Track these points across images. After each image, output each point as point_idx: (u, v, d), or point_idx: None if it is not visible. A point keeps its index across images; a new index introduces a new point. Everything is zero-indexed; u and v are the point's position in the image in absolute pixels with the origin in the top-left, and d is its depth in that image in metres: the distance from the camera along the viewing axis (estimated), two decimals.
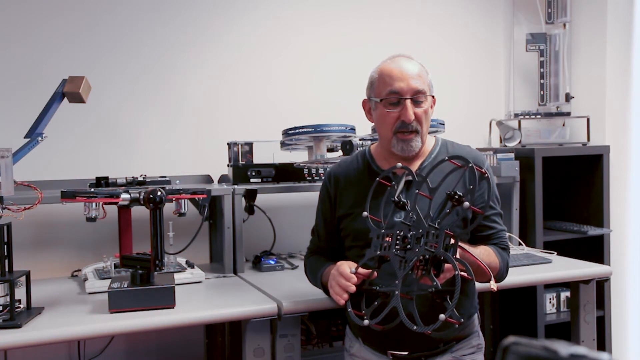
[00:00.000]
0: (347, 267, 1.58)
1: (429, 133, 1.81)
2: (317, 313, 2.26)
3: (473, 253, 1.48)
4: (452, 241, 1.37)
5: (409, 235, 1.43)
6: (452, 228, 1.40)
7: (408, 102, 1.64)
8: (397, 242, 1.44)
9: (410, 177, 1.61)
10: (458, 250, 1.38)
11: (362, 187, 1.72)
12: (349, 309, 1.54)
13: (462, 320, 1.31)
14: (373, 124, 1.82)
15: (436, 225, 1.39)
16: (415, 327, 1.34)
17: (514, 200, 2.82)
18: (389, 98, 1.66)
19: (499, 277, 1.71)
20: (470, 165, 1.46)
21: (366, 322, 1.46)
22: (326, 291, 1.73)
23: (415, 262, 1.38)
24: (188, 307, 1.86)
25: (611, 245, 3.07)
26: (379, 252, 1.48)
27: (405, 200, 1.49)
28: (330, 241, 1.81)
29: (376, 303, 1.49)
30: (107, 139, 2.60)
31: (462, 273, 1.32)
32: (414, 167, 1.69)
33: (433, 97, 1.73)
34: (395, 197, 1.50)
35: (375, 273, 1.53)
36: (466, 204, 1.35)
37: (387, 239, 1.48)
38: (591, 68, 3.27)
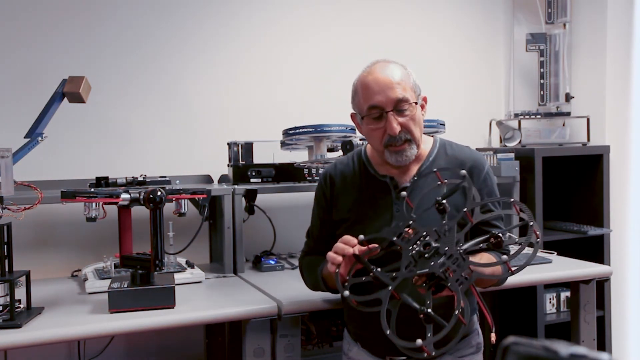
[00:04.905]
0: (350, 237, 1.50)
1: (428, 134, 1.79)
2: (317, 313, 2.26)
3: (481, 263, 1.44)
4: (467, 277, 1.32)
5: (433, 243, 1.36)
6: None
7: (390, 115, 1.56)
8: (419, 242, 1.37)
9: (407, 184, 1.60)
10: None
11: (359, 191, 1.68)
12: (337, 274, 1.45)
13: (434, 353, 1.25)
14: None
15: (462, 251, 1.33)
16: (388, 332, 1.29)
17: None
18: (370, 114, 1.59)
19: (501, 282, 1.71)
20: (463, 173, 1.43)
21: (346, 293, 1.39)
22: (326, 285, 1.69)
23: (423, 274, 1.33)
24: (188, 307, 1.85)
25: (611, 245, 3.07)
26: (395, 239, 1.41)
27: (447, 205, 1.41)
28: (326, 243, 1.70)
29: (363, 279, 1.42)
30: (107, 139, 2.60)
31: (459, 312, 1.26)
32: (413, 171, 1.65)
33: (424, 97, 1.65)
34: (441, 200, 1.42)
35: (379, 250, 1.45)
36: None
37: (409, 231, 1.40)
38: (591, 68, 3.27)
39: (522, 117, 3.22)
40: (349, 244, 1.46)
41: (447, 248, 1.33)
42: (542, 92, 3.30)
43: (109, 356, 2.50)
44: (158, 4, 2.69)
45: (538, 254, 2.51)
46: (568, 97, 3.27)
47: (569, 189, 3.25)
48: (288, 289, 2.04)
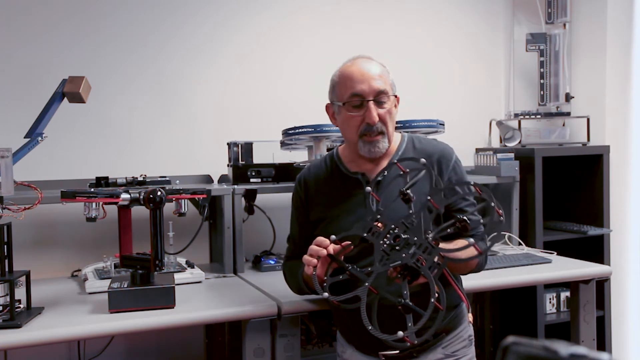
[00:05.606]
0: (323, 238, 1.53)
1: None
2: (317, 313, 2.26)
3: (451, 248, 1.44)
4: (439, 262, 1.36)
5: (402, 235, 1.40)
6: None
7: (371, 103, 1.62)
8: (388, 235, 1.41)
9: (380, 178, 1.62)
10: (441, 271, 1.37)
11: (332, 190, 1.73)
12: (315, 276, 1.47)
13: (416, 342, 1.32)
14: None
15: (431, 238, 1.37)
16: (370, 327, 1.33)
17: (514, 200, 2.82)
18: (351, 101, 1.64)
19: (479, 268, 1.71)
20: (423, 161, 1.46)
21: (325, 294, 1.42)
22: (308, 287, 1.72)
23: (396, 266, 1.37)
24: (188, 307, 1.86)
25: (611, 245, 3.07)
26: (366, 235, 1.44)
27: (412, 195, 1.44)
28: (307, 247, 1.67)
29: (341, 277, 1.46)
30: (107, 139, 2.60)
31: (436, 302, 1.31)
32: (381, 166, 1.68)
33: (396, 96, 1.69)
34: (404, 190, 1.45)
35: (352, 247, 1.49)
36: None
37: (379, 225, 1.44)
38: (591, 68, 3.28)
39: (522, 117, 3.22)
40: (322, 245, 1.50)
41: (415, 238, 1.38)
42: (542, 92, 3.30)
43: (109, 356, 2.50)
44: (158, 4, 2.69)
45: (538, 254, 2.52)
46: (568, 97, 3.27)
47: (569, 189, 3.25)
48: (288, 288, 2.04)
